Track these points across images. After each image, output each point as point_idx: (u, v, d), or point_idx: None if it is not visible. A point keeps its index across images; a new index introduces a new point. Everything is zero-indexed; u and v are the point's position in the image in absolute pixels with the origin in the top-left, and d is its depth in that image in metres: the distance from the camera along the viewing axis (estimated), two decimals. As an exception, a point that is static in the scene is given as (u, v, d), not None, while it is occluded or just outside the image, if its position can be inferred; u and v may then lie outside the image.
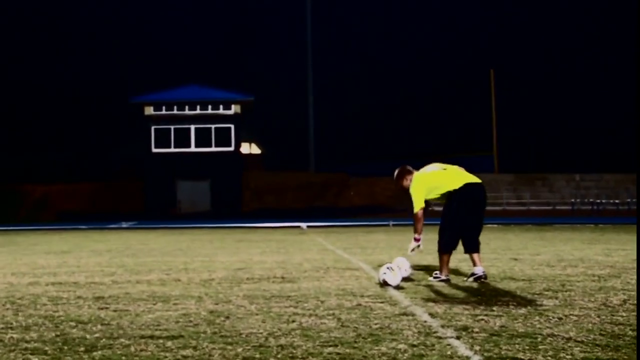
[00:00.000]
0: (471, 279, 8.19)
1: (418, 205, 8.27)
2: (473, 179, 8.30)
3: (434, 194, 8.31)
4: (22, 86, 58.16)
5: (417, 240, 8.36)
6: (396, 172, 8.61)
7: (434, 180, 8.32)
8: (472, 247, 8.24)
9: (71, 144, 52.85)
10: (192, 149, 44.78)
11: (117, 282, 8.62)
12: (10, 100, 56.79)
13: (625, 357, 4.41)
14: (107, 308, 6.54)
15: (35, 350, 4.75)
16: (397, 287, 7.60)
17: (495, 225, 26.21)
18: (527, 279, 8.51)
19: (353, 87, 67.69)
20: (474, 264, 8.25)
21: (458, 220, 8.15)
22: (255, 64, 65.66)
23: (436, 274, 8.38)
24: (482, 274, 8.17)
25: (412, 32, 69.44)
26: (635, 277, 8.48)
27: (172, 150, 44.63)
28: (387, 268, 7.76)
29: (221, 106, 45.07)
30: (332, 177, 48.47)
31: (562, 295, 7.05)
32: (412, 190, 8.35)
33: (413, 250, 8.45)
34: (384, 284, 7.70)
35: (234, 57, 66.10)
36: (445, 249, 8.24)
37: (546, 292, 7.30)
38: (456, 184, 8.17)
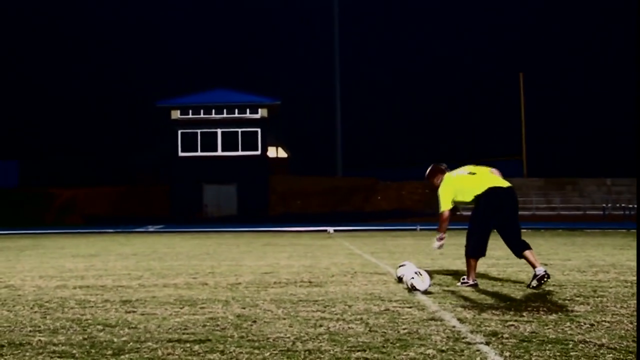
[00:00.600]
0: (534, 282, 7.88)
1: (444, 206, 8.25)
2: (499, 182, 8.16)
3: (460, 197, 8.24)
4: (49, 91, 58.82)
5: (440, 239, 8.37)
6: (429, 169, 8.63)
7: (460, 184, 8.25)
8: (519, 250, 8.02)
9: (97, 148, 53.33)
10: (219, 152, 44.95)
11: (144, 286, 8.65)
12: (36, 104, 57.49)
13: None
14: (134, 312, 6.55)
15: (62, 354, 4.76)
16: (425, 292, 7.53)
17: (525, 230, 25.92)
18: (558, 284, 8.38)
19: (380, 91, 67.53)
20: (532, 266, 8.00)
21: (484, 225, 8.05)
22: (282, 67, 65.79)
23: (464, 278, 8.28)
24: (542, 273, 7.85)
25: (440, 36, 69.14)
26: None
27: (199, 154, 44.85)
28: (415, 273, 7.69)
29: (248, 110, 45.22)
30: (359, 182, 48.38)
31: (593, 302, 6.92)
32: (440, 191, 8.33)
33: (438, 247, 8.41)
34: (411, 288, 7.62)
35: (260, 60, 66.26)
36: (472, 254, 8.13)
37: (577, 298, 7.18)
38: (481, 188, 8.08)
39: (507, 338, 5.10)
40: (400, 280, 8.23)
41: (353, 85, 63.13)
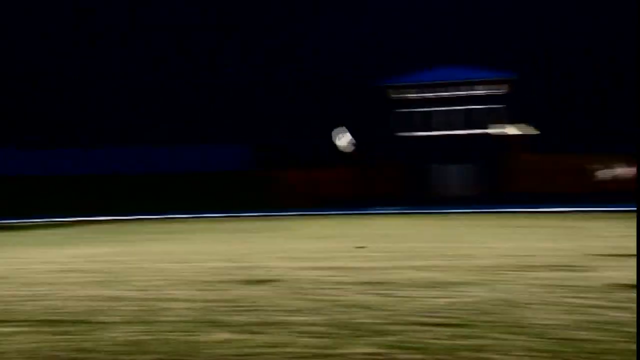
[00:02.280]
0: None
1: None
2: None
3: None
4: (284, 79, 61.15)
5: None
6: None
7: None
8: None
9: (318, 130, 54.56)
10: (455, 131, 44.34)
11: (394, 268, 8.64)
12: (267, 92, 60.02)
13: None
14: (385, 294, 6.52)
15: (318, 334, 4.81)
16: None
17: None
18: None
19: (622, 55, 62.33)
20: None
21: None
22: (517, 40, 63.01)
23: None
24: None
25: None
26: None
27: (433, 133, 44.57)
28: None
29: (486, 86, 44.07)
30: (609, 158, 45.09)
31: None
32: None
33: None
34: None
35: (494, 33, 64.00)
36: None
37: None
38: None
39: None
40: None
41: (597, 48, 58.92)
